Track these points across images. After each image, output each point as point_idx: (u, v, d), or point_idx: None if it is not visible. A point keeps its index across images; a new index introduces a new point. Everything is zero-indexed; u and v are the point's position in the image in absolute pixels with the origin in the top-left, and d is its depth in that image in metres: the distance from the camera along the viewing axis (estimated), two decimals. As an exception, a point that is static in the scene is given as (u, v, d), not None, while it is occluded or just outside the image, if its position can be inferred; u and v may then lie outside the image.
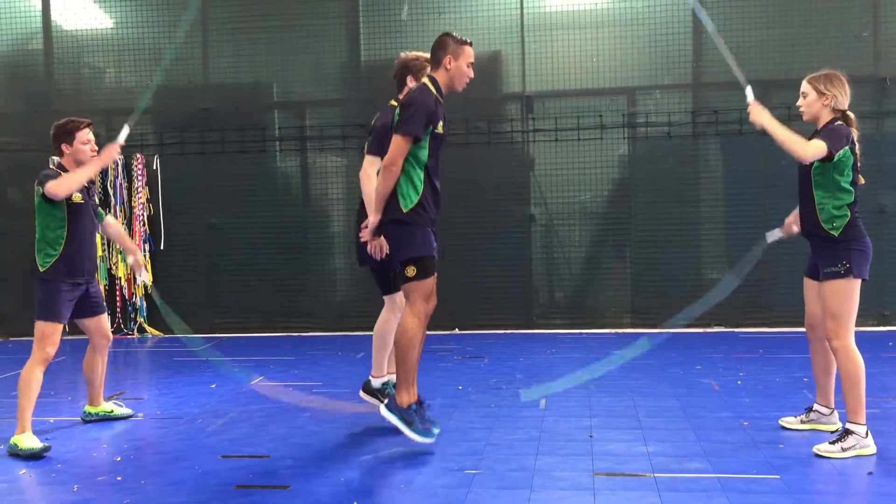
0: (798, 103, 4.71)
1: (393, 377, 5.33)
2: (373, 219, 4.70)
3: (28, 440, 4.89)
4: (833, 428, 4.85)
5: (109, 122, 9.84)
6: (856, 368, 4.38)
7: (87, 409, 5.70)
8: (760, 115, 4.50)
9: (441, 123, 4.63)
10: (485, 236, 9.11)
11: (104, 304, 5.61)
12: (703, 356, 7.32)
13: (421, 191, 4.62)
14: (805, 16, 8.69)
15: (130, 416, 5.75)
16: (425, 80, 4.72)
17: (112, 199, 9.54)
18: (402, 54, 5.28)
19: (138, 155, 9.58)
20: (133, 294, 9.56)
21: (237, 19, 9.64)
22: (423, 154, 4.61)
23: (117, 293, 9.57)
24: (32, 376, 5.04)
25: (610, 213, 9.16)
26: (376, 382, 5.37)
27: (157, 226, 9.58)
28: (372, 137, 5.08)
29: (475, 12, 9.19)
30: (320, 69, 9.61)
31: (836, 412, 4.89)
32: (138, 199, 9.52)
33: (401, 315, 5.00)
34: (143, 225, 9.52)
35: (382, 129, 4.96)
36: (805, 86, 4.64)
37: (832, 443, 4.40)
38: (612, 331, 8.91)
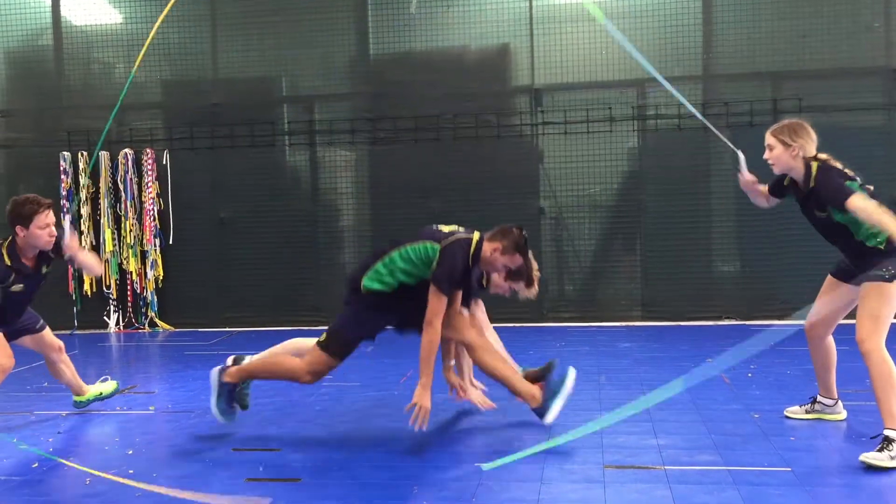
0: (765, 156, 4.64)
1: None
2: (421, 386, 4.58)
3: None
4: (839, 417, 4.87)
5: (119, 117, 9.88)
6: (890, 372, 4.22)
7: (76, 399, 5.73)
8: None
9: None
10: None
11: (39, 322, 5.46)
12: (713, 349, 7.30)
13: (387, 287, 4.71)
14: (816, 6, 8.63)
15: (117, 390, 5.86)
16: (476, 237, 4.74)
17: (122, 194, 9.57)
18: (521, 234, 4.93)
19: (148, 150, 9.61)
20: (144, 288, 9.59)
21: (246, 14, 9.64)
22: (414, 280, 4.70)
23: (128, 287, 9.61)
24: None
25: (620, 206, 9.13)
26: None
27: (167, 220, 9.61)
28: (445, 280, 4.69)
29: (484, 5, 9.16)
30: (329, 63, 9.60)
31: (840, 402, 4.90)
32: (148, 193, 9.55)
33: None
34: (154, 220, 9.55)
35: (454, 273, 4.70)
36: (770, 139, 4.57)
37: (879, 450, 4.15)
38: (623, 324, 8.90)
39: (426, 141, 9.19)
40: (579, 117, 8.98)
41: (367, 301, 4.75)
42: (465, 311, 5.03)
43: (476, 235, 4.72)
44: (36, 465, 4.63)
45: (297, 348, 5.22)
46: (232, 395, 4.86)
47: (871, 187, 4.54)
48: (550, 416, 4.76)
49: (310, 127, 9.60)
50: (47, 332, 5.53)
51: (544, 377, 5.04)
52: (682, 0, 8.80)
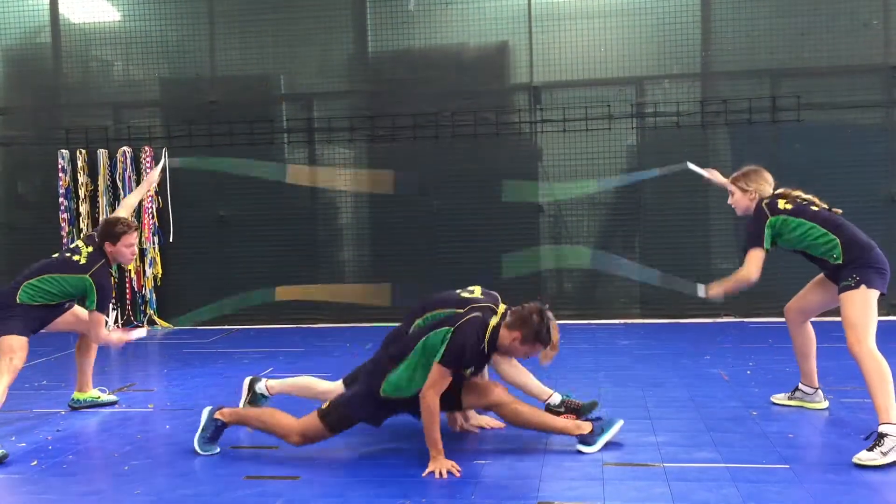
0: (728, 202, 5.11)
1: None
2: (438, 456, 4.28)
3: None
4: (819, 406, 5.09)
5: (118, 115, 9.89)
6: (880, 368, 4.30)
7: (76, 395, 5.78)
8: (715, 291, 5.03)
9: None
10: (493, 227, 9.10)
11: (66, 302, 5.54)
12: (712, 346, 7.31)
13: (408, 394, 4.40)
14: (815, 4, 8.63)
15: (115, 403, 5.85)
16: (494, 321, 4.42)
17: (121, 192, 9.56)
18: (539, 311, 4.53)
19: (146, 148, 9.60)
20: (143, 286, 9.59)
21: (244, 11, 9.63)
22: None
23: (127, 285, 9.61)
24: None
25: (618, 204, 9.13)
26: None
27: (166, 218, 9.61)
28: (456, 358, 4.39)
29: (482, 2, 9.15)
30: (328, 61, 9.60)
31: (820, 391, 5.13)
32: (147, 191, 9.53)
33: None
34: (153, 218, 9.54)
35: (465, 354, 4.40)
36: (730, 186, 5.05)
37: (870, 449, 4.18)
38: (622, 321, 8.90)
39: (425, 139, 9.19)
40: (578, 115, 8.98)
41: (383, 399, 4.49)
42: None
43: (496, 316, 4.41)
44: (35, 462, 4.63)
45: (308, 386, 5.20)
46: (219, 433, 4.71)
47: (840, 211, 4.74)
48: (597, 446, 4.46)
49: (308, 125, 9.60)
50: (78, 308, 5.59)
51: (582, 413, 4.94)
52: (680, -3, 8.81)
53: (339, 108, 9.57)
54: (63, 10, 9.86)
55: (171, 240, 9.62)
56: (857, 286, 4.47)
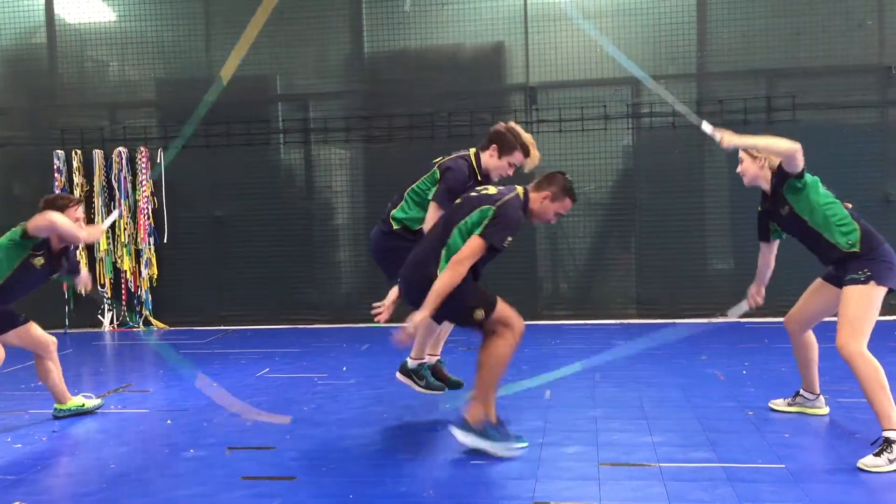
0: (737, 170, 4.85)
1: (430, 359, 5.29)
2: (420, 317, 4.32)
3: None
4: (820, 412, 5.00)
5: (113, 116, 9.87)
6: (875, 373, 4.22)
7: (57, 406, 5.61)
8: (733, 139, 4.51)
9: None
10: (489, 228, 9.09)
11: (23, 316, 5.47)
12: (707, 346, 7.32)
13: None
14: (810, 4, 8.65)
15: (101, 406, 5.74)
16: (520, 191, 4.54)
17: (117, 192, 9.55)
18: (507, 124, 5.06)
19: (142, 148, 9.59)
20: (139, 287, 9.58)
21: (240, 12, 9.59)
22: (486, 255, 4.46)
23: (122, 286, 9.59)
24: None
25: (614, 204, 9.14)
26: (412, 364, 5.27)
27: (162, 219, 9.60)
28: (443, 189, 4.87)
29: (478, 3, 9.16)
30: (324, 61, 9.60)
31: (821, 397, 5.05)
32: (143, 192, 9.53)
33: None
34: (148, 218, 9.53)
35: (457, 183, 4.86)
36: (740, 153, 4.80)
37: (876, 455, 4.12)
38: (618, 321, 8.91)
39: (421, 139, 9.18)
40: (574, 115, 8.99)
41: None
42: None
43: (520, 189, 4.56)
44: (31, 463, 4.62)
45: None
46: (498, 431, 4.45)
47: (850, 205, 4.60)
48: (472, 440, 4.43)
49: (304, 125, 9.60)
50: (33, 327, 5.49)
51: (449, 386, 5.22)
52: (676, -2, 8.82)
53: (335, 109, 9.57)
54: (58, 10, 9.84)
55: (166, 240, 9.61)
56: (866, 281, 4.33)
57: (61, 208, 5.29)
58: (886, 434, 4.15)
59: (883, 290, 4.36)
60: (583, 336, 8.14)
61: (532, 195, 4.56)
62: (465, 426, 4.43)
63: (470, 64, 9.29)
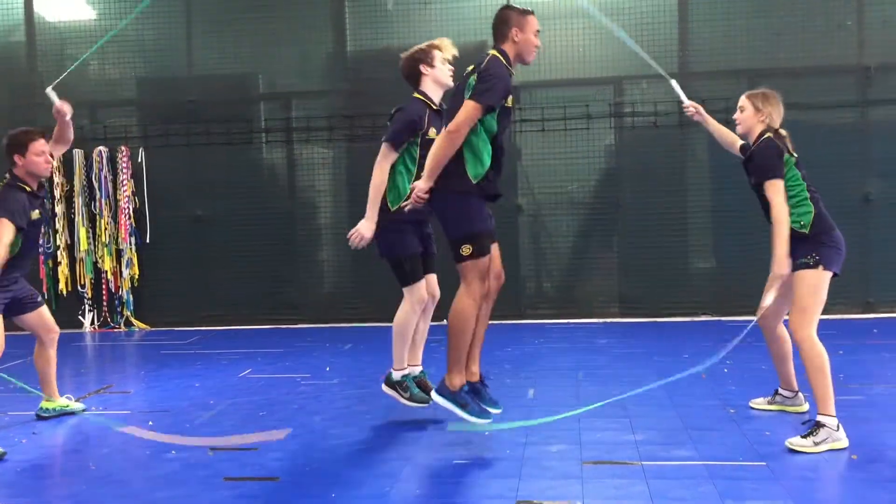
0: (735, 116, 4.89)
1: (413, 370, 5.25)
2: (425, 184, 4.36)
3: None
4: (800, 409, 5.04)
5: (94, 115, 9.79)
6: (820, 360, 4.42)
7: (44, 404, 5.55)
8: (778, 274, 4.57)
9: (511, 97, 4.50)
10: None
11: (38, 297, 5.46)
12: (690, 345, 7.35)
13: (489, 163, 4.38)
14: (790, 4, 8.71)
15: (84, 411, 5.64)
16: (494, 52, 4.44)
17: (97, 192, 9.47)
18: (403, 53, 5.17)
19: (123, 148, 9.52)
20: (119, 288, 9.51)
21: (222, 10, 9.58)
22: (494, 125, 4.39)
23: (104, 287, 9.52)
24: None
25: (597, 203, 9.17)
26: (396, 375, 5.20)
27: (143, 219, 9.53)
28: (392, 129, 4.95)
29: (462, 2, 9.15)
30: (306, 60, 9.56)
31: (800, 394, 5.08)
32: (123, 191, 9.46)
33: (419, 307, 5.04)
34: (129, 218, 9.46)
35: (408, 119, 4.92)
36: (743, 101, 4.81)
37: (804, 436, 4.36)
38: (601, 320, 8.94)
39: (404, 138, 9.16)
40: (557, 115, 9.01)
41: (467, 189, 4.37)
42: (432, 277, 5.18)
43: (493, 51, 4.46)
44: (11, 466, 4.57)
45: (405, 317, 5.07)
46: (470, 394, 4.50)
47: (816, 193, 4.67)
48: (439, 399, 4.47)
49: (287, 124, 9.55)
50: (46, 310, 5.49)
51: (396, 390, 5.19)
52: (657, -2, 8.85)
53: (317, 108, 9.53)
54: (38, 8, 9.75)
55: (147, 240, 9.54)
56: (815, 266, 4.48)
57: (25, 144, 5.08)
58: (820, 418, 4.39)
59: (829, 275, 4.51)
60: (566, 335, 8.16)
61: (505, 46, 4.46)
62: (441, 389, 4.47)
63: (453, 63, 9.27)
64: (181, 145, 9.52)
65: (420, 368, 5.32)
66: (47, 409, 5.57)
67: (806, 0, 8.69)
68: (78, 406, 5.69)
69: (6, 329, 5.06)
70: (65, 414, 5.59)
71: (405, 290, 5.07)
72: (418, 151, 4.94)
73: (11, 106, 9.83)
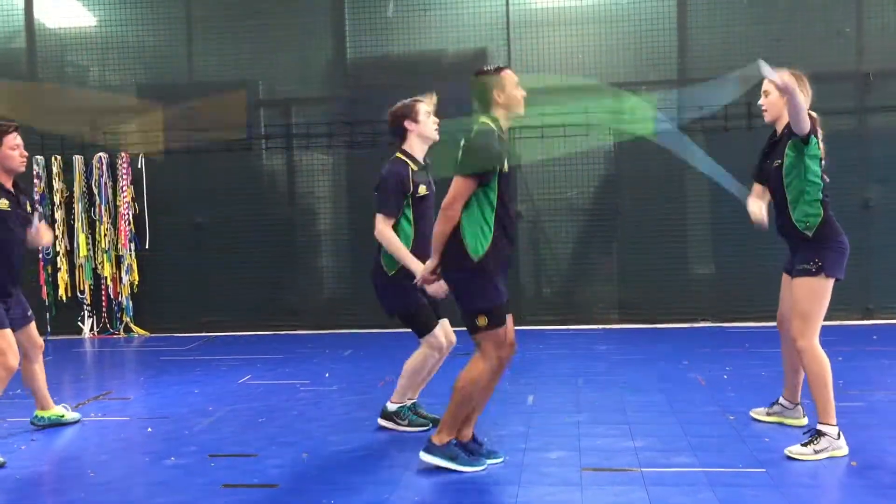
0: (760, 102, 4.74)
1: (407, 403, 5.19)
2: (431, 263, 4.34)
3: None
4: (798, 423, 4.89)
5: (94, 121, 9.79)
6: (822, 369, 4.36)
7: (38, 413, 5.47)
8: (785, 77, 4.33)
9: (506, 161, 4.30)
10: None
11: (30, 312, 5.33)
12: (689, 351, 7.35)
13: (491, 237, 4.21)
14: (789, 11, 8.73)
15: (78, 421, 5.53)
16: (483, 120, 4.35)
17: (97, 198, 9.48)
18: (391, 108, 5.20)
19: (123, 154, 9.52)
20: (119, 294, 9.51)
21: (222, 17, 9.59)
22: (493, 195, 4.22)
23: (103, 293, 9.52)
24: None
25: (596, 210, 9.17)
26: (392, 407, 5.16)
27: (143, 225, 9.53)
28: (381, 200, 4.91)
29: (461, 9, 9.17)
30: (306, 67, 9.57)
31: (800, 407, 4.94)
32: (123, 198, 9.47)
33: (437, 354, 5.01)
34: (129, 224, 9.46)
35: (394, 184, 4.90)
36: (767, 85, 4.61)
37: (804, 445, 4.34)
38: (600, 327, 8.94)
39: (403, 145, 9.17)
40: (556, 121, 9.01)
41: (470, 268, 4.25)
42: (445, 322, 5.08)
43: (481, 119, 4.37)
44: (9, 473, 4.57)
45: (422, 360, 5.05)
46: (459, 446, 4.39)
47: (826, 178, 4.55)
48: (428, 457, 4.35)
49: (287, 131, 9.56)
50: (34, 326, 5.36)
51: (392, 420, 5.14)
52: (657, 4, 8.86)
53: (317, 114, 9.54)
54: (38, 15, 9.77)
55: (147, 246, 9.54)
56: (816, 272, 4.36)
57: None
58: (820, 427, 4.36)
59: (832, 281, 4.41)
60: (566, 341, 8.15)
61: (490, 112, 4.36)
62: (429, 448, 4.36)
63: (452, 70, 9.29)
64: (182, 152, 9.53)
65: (414, 401, 5.26)
66: (41, 417, 5.48)
67: (805, 7, 8.71)
68: (73, 416, 5.56)
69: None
70: (59, 424, 5.48)
71: (422, 340, 5.01)
72: (412, 212, 4.95)
73: (10, 113, 9.83)
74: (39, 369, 5.43)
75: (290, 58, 9.54)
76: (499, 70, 4.47)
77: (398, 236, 4.89)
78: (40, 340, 5.43)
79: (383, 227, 4.88)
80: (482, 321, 4.21)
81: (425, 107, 5.09)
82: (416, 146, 5.09)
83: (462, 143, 4.30)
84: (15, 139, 5.07)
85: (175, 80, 9.66)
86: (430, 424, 5.08)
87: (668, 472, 4.19)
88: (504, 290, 4.31)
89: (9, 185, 5.09)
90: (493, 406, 5.61)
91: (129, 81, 9.77)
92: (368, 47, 9.37)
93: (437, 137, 5.09)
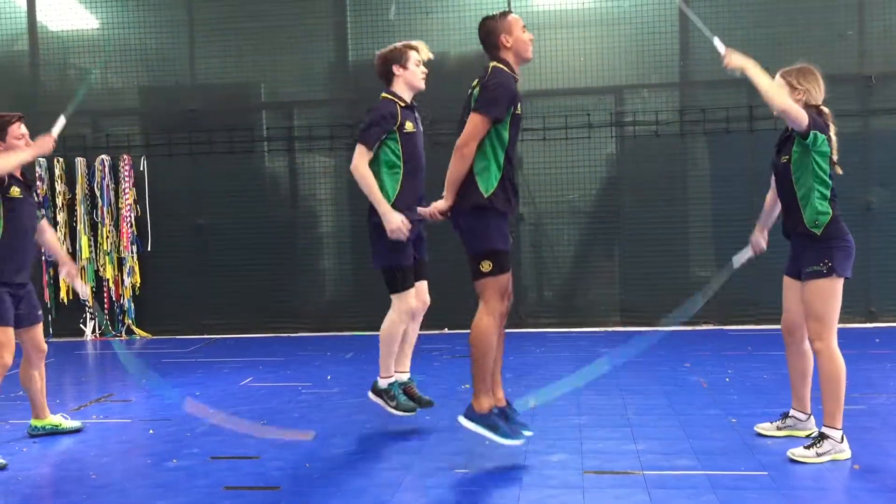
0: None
1: (401, 376, 5.22)
2: (444, 203, 4.38)
3: None
4: (810, 434, 4.71)
5: (96, 123, 9.82)
6: (838, 371, 4.31)
7: (33, 422, 5.35)
8: (739, 59, 4.42)
9: (519, 104, 4.42)
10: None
11: (39, 311, 5.28)
12: (691, 354, 7.35)
13: (501, 174, 4.31)
14: (790, 14, 8.73)
15: (79, 430, 5.40)
16: (494, 63, 4.40)
17: (99, 200, 9.49)
18: (378, 52, 5.22)
19: (125, 156, 9.54)
20: (121, 296, 9.51)
21: (224, 19, 9.60)
22: (506, 134, 4.32)
23: (105, 295, 9.52)
24: None
25: (598, 212, 9.17)
26: (383, 383, 5.15)
27: (145, 227, 9.54)
28: (363, 128, 4.97)
29: (463, 12, 9.18)
30: (308, 69, 9.58)
31: (812, 418, 4.77)
32: (125, 200, 9.48)
33: (406, 316, 4.99)
34: (131, 226, 9.47)
35: (378, 117, 4.94)
36: (778, 80, 4.59)
37: (807, 447, 4.32)
38: (602, 329, 8.93)
39: (405, 147, 9.17)
40: (558, 124, 9.02)
41: (482, 203, 4.31)
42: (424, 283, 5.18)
43: (492, 63, 4.41)
44: (10, 475, 4.57)
45: (392, 326, 5.01)
46: (504, 419, 4.43)
47: (840, 171, 4.52)
48: (469, 423, 4.38)
49: (289, 133, 9.58)
50: (39, 329, 5.27)
51: (382, 398, 5.14)
52: (658, 7, 8.87)
53: (319, 117, 9.55)
54: (41, 17, 9.78)
55: (149, 249, 9.55)
56: (828, 273, 4.30)
57: (3, 127, 5.02)
58: (825, 430, 4.34)
59: (842, 280, 4.36)
60: (567, 344, 8.15)
61: (499, 55, 4.42)
62: (470, 414, 4.38)
63: (454, 73, 9.29)
64: (183, 154, 9.54)
65: (408, 375, 5.29)
66: (36, 427, 5.36)
67: (806, 10, 8.71)
68: (72, 424, 5.42)
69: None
70: (56, 433, 5.35)
71: (394, 297, 5.01)
72: (400, 148, 4.96)
73: (14, 114, 9.84)
74: (39, 375, 5.30)
75: (292, 60, 9.55)
76: (504, 14, 4.52)
77: (387, 175, 4.89)
78: (44, 345, 5.32)
79: (359, 162, 4.88)
80: (486, 266, 4.28)
81: (416, 55, 5.10)
82: (402, 92, 5.09)
83: (475, 83, 4.38)
84: (19, 129, 5.10)
85: (177, 83, 9.67)
86: (416, 410, 5.10)
87: (670, 475, 4.19)
88: (509, 238, 4.40)
89: (17, 172, 5.09)
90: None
91: (132, 83, 9.79)
92: (370, 50, 9.28)
93: (422, 87, 5.14)
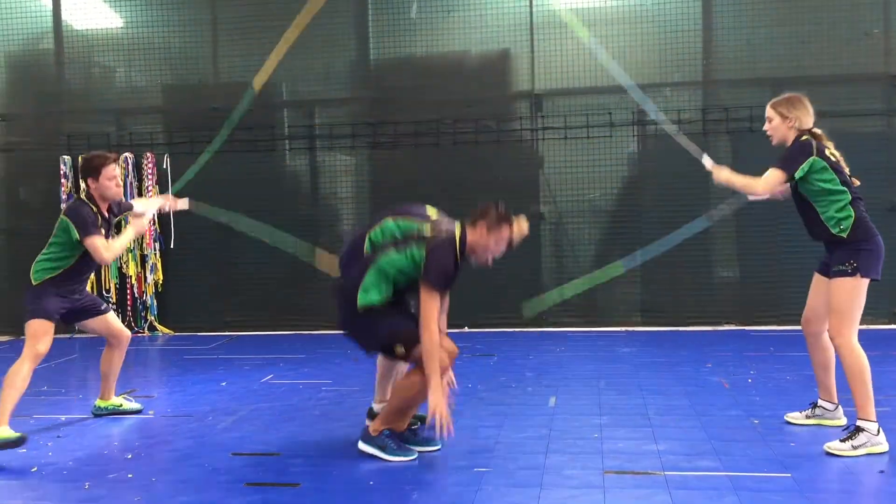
0: (765, 128, 4.89)
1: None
2: (433, 384, 4.40)
3: (3, 431, 4.89)
4: (839, 423, 4.86)
5: (120, 122, 9.90)
6: (860, 364, 4.39)
7: (98, 403, 5.78)
8: (725, 175, 4.88)
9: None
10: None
11: (102, 305, 5.64)
12: (713, 354, 7.30)
13: (383, 296, 4.55)
14: (816, 13, 8.64)
15: (139, 412, 5.80)
16: (457, 230, 4.67)
17: (123, 198, 9.55)
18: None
19: (148, 154, 9.61)
20: (144, 293, 9.59)
21: (246, 18, 9.65)
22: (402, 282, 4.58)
23: (128, 292, 9.60)
24: (19, 372, 5.06)
25: (619, 211, 9.13)
26: (378, 407, 5.12)
27: (168, 225, 9.61)
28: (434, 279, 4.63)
29: (484, 10, 9.17)
30: (329, 68, 9.61)
31: (840, 407, 4.92)
32: (148, 197, 9.54)
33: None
34: (154, 224, 9.54)
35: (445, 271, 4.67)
36: (769, 111, 4.81)
37: (843, 440, 4.37)
38: (622, 329, 8.89)
39: (426, 146, 9.19)
40: (579, 122, 8.99)
41: (373, 313, 4.58)
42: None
43: (457, 229, 4.65)
44: (35, 468, 4.63)
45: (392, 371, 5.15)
46: (390, 437, 4.63)
47: (857, 182, 4.62)
48: (362, 447, 4.65)
49: (310, 132, 9.61)
50: (113, 316, 5.69)
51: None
52: (681, 5, 8.81)
53: (340, 115, 9.58)
54: (66, 16, 9.88)
55: (171, 246, 9.62)
56: (853, 273, 4.43)
57: (98, 167, 5.32)
58: (859, 423, 4.38)
59: (867, 281, 4.46)
60: (587, 343, 8.12)
61: (469, 234, 4.62)
62: (364, 436, 4.67)
63: (475, 71, 9.30)
64: (206, 152, 9.58)
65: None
66: (101, 407, 5.76)
67: (832, 8, 8.62)
68: (134, 406, 5.83)
69: (63, 332, 5.20)
70: (118, 413, 5.74)
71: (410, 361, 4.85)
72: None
73: (41, 113, 9.96)
74: (118, 357, 5.72)
75: (313, 59, 9.57)
76: (501, 221, 4.68)
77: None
78: (122, 332, 5.69)
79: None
80: (399, 350, 4.57)
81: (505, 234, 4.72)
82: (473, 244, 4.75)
83: (423, 248, 4.53)
84: (113, 170, 5.40)
85: (200, 82, 9.73)
86: (418, 422, 5.07)
87: (692, 476, 4.16)
88: (411, 318, 4.65)
89: (104, 209, 5.44)
90: (515, 407, 5.61)
91: (155, 82, 9.86)
92: (392, 48, 9.39)
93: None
